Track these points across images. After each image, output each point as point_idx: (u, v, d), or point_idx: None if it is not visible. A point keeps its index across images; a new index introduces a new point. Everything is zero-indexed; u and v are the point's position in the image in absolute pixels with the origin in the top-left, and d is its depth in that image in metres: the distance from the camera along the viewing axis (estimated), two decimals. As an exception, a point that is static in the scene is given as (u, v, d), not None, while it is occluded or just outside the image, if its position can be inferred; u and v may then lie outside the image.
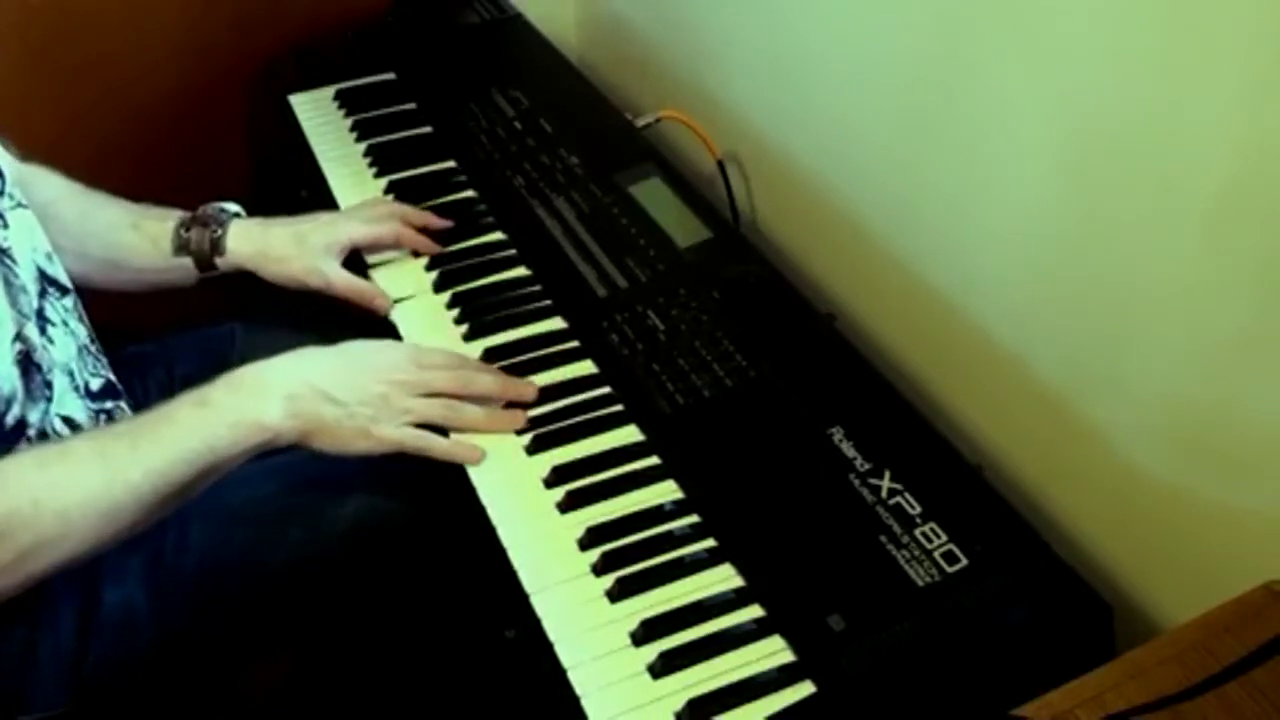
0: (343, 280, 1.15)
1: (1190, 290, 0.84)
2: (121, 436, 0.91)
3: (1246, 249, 0.79)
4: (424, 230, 1.22)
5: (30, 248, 1.00)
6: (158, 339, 1.24)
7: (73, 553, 0.87)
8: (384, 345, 1.06)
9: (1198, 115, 0.79)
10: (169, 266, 1.16)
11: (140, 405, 1.10)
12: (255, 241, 1.16)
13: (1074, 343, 0.97)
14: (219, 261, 1.15)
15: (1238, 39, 0.75)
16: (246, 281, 1.17)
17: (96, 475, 0.88)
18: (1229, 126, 0.78)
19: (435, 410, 1.00)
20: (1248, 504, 0.84)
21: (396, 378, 0.99)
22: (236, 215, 1.17)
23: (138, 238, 1.15)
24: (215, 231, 1.15)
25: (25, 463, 0.89)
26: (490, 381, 1.03)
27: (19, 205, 1.00)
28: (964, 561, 0.86)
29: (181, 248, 1.15)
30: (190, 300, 1.20)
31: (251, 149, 1.64)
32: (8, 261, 0.95)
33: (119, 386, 1.08)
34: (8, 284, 0.94)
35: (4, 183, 0.98)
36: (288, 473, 1.05)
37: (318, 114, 1.44)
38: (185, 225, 1.15)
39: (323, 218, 1.20)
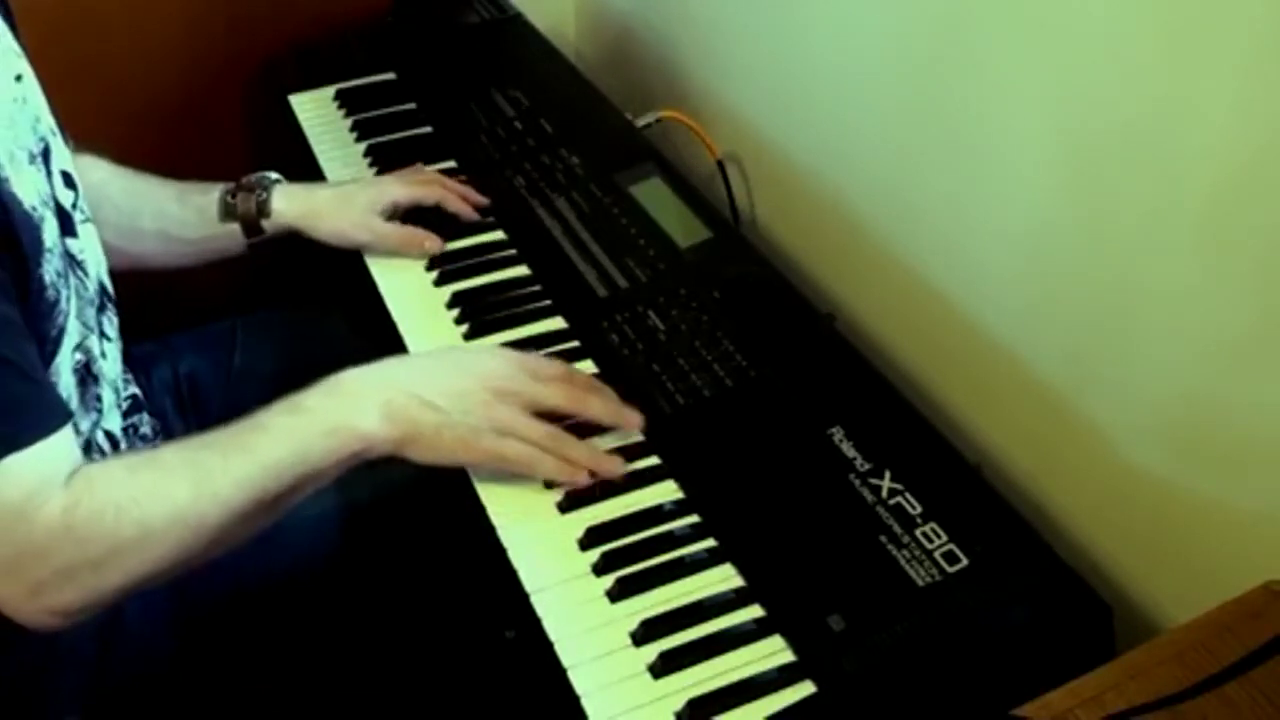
0: (390, 230, 1.19)
1: (1190, 289, 0.84)
2: (211, 446, 0.87)
3: (1246, 247, 0.79)
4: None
5: (98, 261, 1.01)
6: (160, 338, 1.24)
7: (153, 567, 0.83)
8: (491, 351, 1.01)
9: (1197, 113, 0.79)
10: (217, 234, 1.18)
11: (149, 402, 1.10)
12: (301, 202, 1.18)
13: (1074, 342, 0.97)
14: (266, 224, 1.17)
15: (1238, 36, 0.75)
16: (248, 278, 1.17)
17: (184, 486, 0.84)
18: (1228, 125, 0.78)
19: (541, 438, 0.93)
20: (1248, 504, 0.84)
21: (503, 386, 0.93)
22: (278, 181, 1.20)
23: (184, 209, 1.18)
24: (261, 195, 1.17)
25: (114, 468, 0.87)
26: (601, 406, 0.96)
27: (87, 220, 1.00)
28: (964, 561, 0.86)
29: (229, 214, 1.17)
30: (192, 298, 1.20)
31: (251, 149, 1.64)
32: (80, 273, 0.95)
33: (142, 398, 1.08)
34: (78, 296, 0.94)
35: (77, 195, 0.98)
36: (325, 493, 1.04)
37: (318, 114, 1.44)
38: (230, 193, 1.18)
39: (363, 180, 1.24)
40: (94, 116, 1.49)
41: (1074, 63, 0.88)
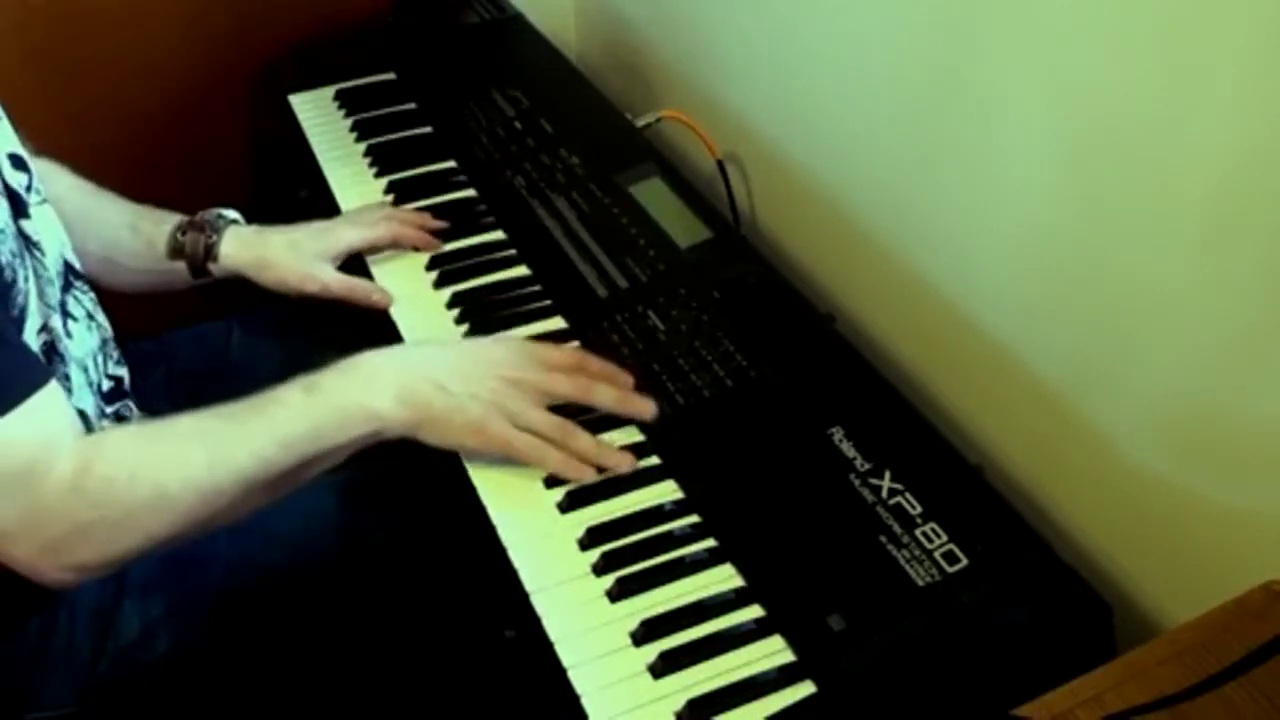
0: (339, 282, 1.15)
1: (1191, 289, 0.84)
2: (228, 417, 0.90)
3: (1247, 247, 0.79)
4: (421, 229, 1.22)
5: (59, 241, 1.01)
6: (156, 336, 1.24)
7: (167, 531, 0.86)
8: (503, 340, 1.04)
9: (1198, 113, 0.79)
10: (162, 269, 1.16)
11: (142, 402, 1.10)
12: (250, 249, 1.15)
13: (1075, 342, 0.97)
14: (212, 267, 1.16)
15: (1238, 34, 0.75)
16: (244, 280, 1.17)
17: (200, 454, 0.87)
18: (1229, 123, 0.78)
19: (550, 429, 0.95)
20: (1248, 504, 0.84)
21: (514, 375, 0.96)
22: (234, 222, 1.17)
23: (134, 238, 1.15)
24: (210, 237, 1.15)
25: (128, 434, 0.90)
26: (609, 395, 0.98)
27: (44, 201, 1.00)
28: (964, 561, 0.86)
29: (176, 251, 1.15)
30: (188, 297, 1.20)
31: (251, 149, 1.64)
32: (37, 253, 0.95)
33: (126, 385, 1.08)
34: (37, 276, 0.95)
35: (31, 178, 0.99)
36: (324, 491, 1.05)
37: (318, 114, 1.44)
38: (181, 229, 1.15)
39: (317, 226, 1.20)
40: (95, 116, 1.50)
41: (1073, 62, 0.88)
